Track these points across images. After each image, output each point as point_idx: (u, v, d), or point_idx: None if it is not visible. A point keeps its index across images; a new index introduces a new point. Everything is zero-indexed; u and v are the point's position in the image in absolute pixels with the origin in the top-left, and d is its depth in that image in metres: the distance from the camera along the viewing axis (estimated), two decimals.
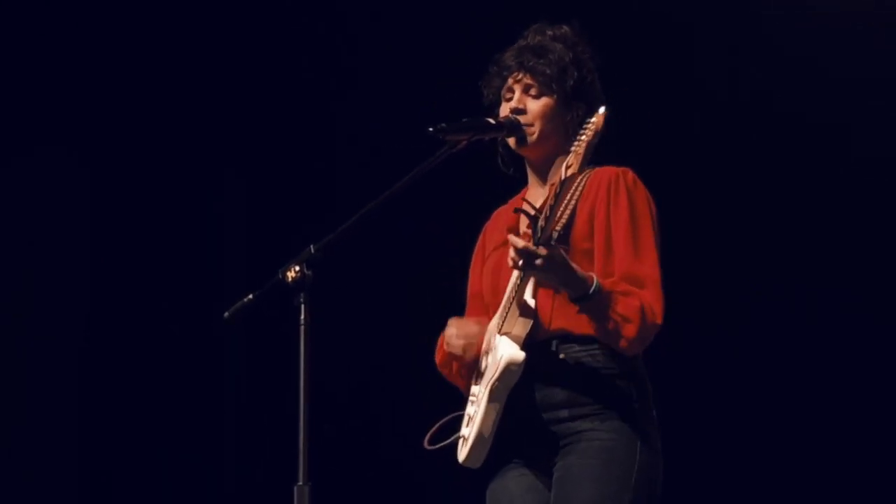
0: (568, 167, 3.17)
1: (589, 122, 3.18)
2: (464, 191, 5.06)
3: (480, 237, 3.71)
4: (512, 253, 3.23)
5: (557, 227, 3.28)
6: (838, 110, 5.24)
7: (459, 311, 3.71)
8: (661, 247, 3.41)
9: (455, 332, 3.49)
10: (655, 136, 5.32)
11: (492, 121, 3.49)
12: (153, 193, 6.09)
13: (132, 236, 6.07)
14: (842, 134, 5.28)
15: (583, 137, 3.18)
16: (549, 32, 3.57)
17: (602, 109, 3.18)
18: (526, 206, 3.23)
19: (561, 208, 3.20)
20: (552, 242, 3.21)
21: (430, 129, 3.39)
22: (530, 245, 3.19)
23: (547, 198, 3.25)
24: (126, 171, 6.09)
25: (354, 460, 5.83)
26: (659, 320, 3.32)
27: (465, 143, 3.42)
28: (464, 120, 3.45)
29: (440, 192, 4.58)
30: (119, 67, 6.06)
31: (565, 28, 3.57)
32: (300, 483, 3.16)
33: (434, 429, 3.50)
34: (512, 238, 3.23)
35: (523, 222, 3.52)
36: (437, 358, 3.64)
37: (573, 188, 3.35)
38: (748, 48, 5.38)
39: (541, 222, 3.19)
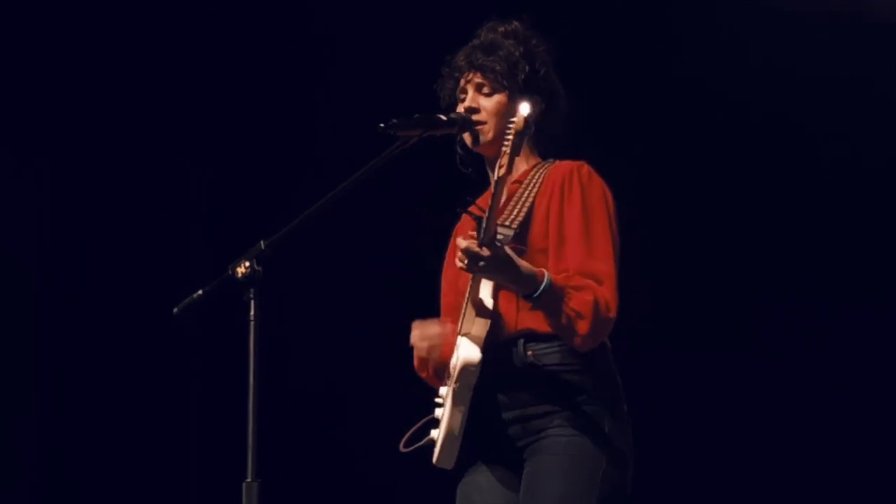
0: (500, 167, 3.17)
1: (511, 122, 3.16)
2: (416, 188, 5.08)
3: (452, 239, 3.69)
4: (458, 254, 3.24)
5: (514, 226, 3.31)
6: (815, 110, 5.27)
7: (414, 307, 3.71)
8: (617, 240, 3.41)
9: (417, 334, 3.50)
10: (628, 131, 5.35)
11: (443, 117, 3.49)
12: (110, 188, 6.06)
13: (87, 230, 6.05)
14: (817, 134, 5.32)
15: (507, 139, 3.16)
16: (501, 29, 3.57)
17: (524, 109, 3.14)
18: (473, 208, 3.23)
19: (499, 209, 3.21)
20: (498, 241, 3.21)
21: (381, 125, 3.39)
22: (473, 245, 3.19)
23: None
24: (85, 168, 6.06)
25: (304, 456, 5.83)
26: (613, 314, 3.31)
27: (416, 139, 3.42)
28: (415, 116, 3.45)
29: (390, 190, 4.59)
30: (81, 58, 6.03)
31: (516, 24, 3.58)
32: (249, 479, 3.15)
33: (410, 432, 3.49)
34: (458, 240, 3.24)
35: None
36: (415, 363, 3.62)
37: (530, 185, 3.36)
38: (724, 45, 5.41)
39: (484, 223, 3.19)
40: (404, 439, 3.48)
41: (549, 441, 3.35)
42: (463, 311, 3.39)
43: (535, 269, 3.27)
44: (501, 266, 3.22)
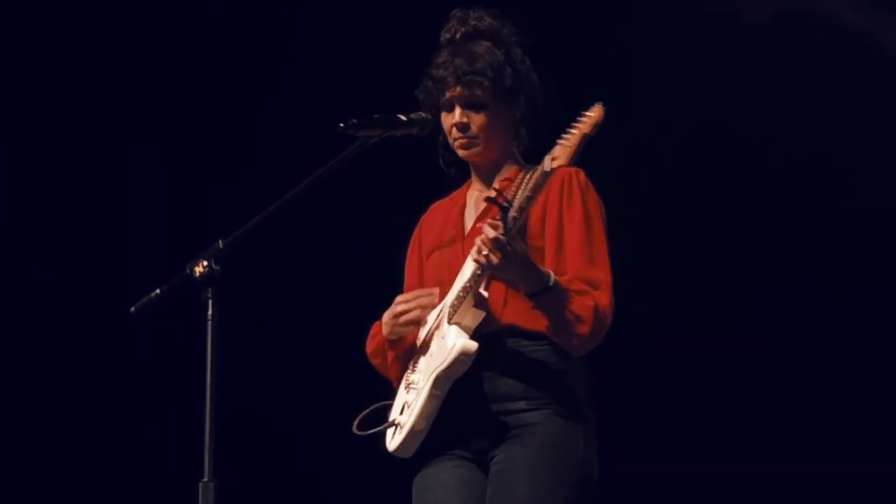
0: (553, 159, 3.18)
1: (585, 115, 3.16)
2: (369, 186, 5.08)
3: (417, 230, 3.70)
4: (479, 242, 3.22)
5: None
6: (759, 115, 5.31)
7: (370, 308, 3.70)
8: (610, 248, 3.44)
9: (409, 303, 3.46)
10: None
11: (402, 117, 3.49)
12: (64, 183, 6.02)
13: (40, 226, 6.01)
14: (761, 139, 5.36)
15: (574, 130, 3.17)
16: (473, 23, 3.55)
17: (599, 103, 3.16)
18: (495, 196, 3.21)
19: (533, 202, 3.21)
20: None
21: (341, 125, 3.39)
22: (501, 236, 3.19)
23: (518, 187, 3.25)
24: (37, 160, 6.02)
25: (261, 456, 5.82)
26: (608, 321, 3.35)
27: (375, 139, 3.42)
28: (375, 116, 3.45)
29: (348, 188, 4.59)
30: (32, 48, 5.99)
31: (487, 19, 3.55)
32: (205, 479, 3.15)
33: (363, 415, 3.48)
34: (487, 227, 3.22)
35: (468, 215, 3.55)
36: (370, 347, 3.60)
37: (523, 185, 3.34)
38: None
39: (513, 213, 3.19)
40: (356, 422, 3.47)
41: (525, 438, 3.35)
42: (453, 301, 3.38)
43: (543, 269, 3.29)
44: (521, 260, 3.23)
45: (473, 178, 3.62)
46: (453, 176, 3.65)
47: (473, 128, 3.50)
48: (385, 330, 3.51)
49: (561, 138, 3.19)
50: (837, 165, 5.30)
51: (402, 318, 3.47)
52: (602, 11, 5.49)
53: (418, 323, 3.47)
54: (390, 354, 3.54)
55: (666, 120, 5.37)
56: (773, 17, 5.31)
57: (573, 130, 3.17)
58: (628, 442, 5.26)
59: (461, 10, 3.58)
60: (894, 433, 5.21)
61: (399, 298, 3.50)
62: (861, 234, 5.31)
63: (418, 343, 3.49)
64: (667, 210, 5.40)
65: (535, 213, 3.39)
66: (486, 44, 3.52)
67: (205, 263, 3.24)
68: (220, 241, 3.28)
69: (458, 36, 3.56)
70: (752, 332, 5.33)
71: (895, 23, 5.26)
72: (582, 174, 3.45)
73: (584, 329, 3.30)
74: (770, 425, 5.31)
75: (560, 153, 3.17)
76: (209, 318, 3.22)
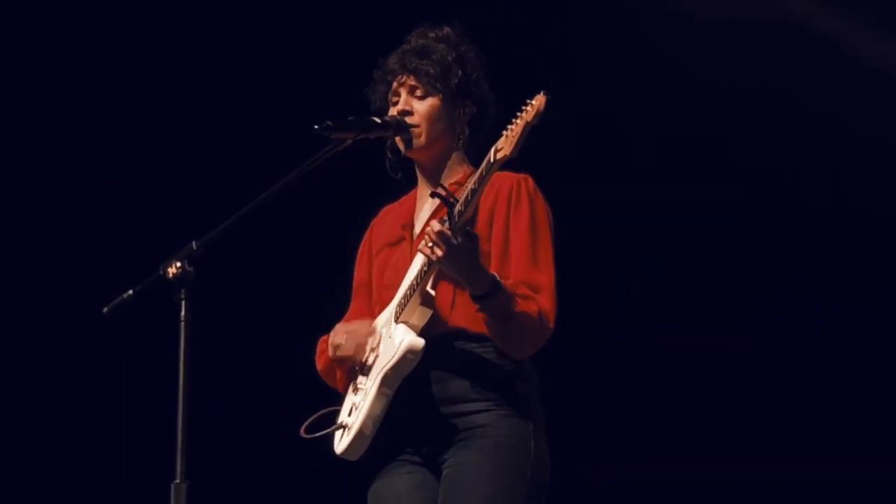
0: (497, 150, 3.19)
1: (528, 104, 3.15)
2: (348, 188, 5.08)
3: (367, 232, 3.71)
4: (427, 238, 3.23)
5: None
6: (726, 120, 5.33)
7: (341, 309, 3.71)
8: (556, 254, 3.44)
9: (345, 337, 3.48)
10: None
11: (378, 120, 3.50)
12: (33, 182, 5.99)
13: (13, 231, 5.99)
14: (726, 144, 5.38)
15: (518, 121, 3.16)
16: (432, 35, 3.60)
17: (542, 92, 3.14)
18: (440, 191, 3.23)
19: (479, 195, 3.22)
20: (468, 231, 3.23)
21: (316, 126, 3.39)
22: (447, 230, 3.19)
23: (465, 184, 3.27)
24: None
25: (233, 458, 5.82)
26: (551, 325, 3.35)
27: (350, 141, 3.42)
28: (349, 118, 3.45)
29: (324, 190, 4.60)
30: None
31: (447, 29, 3.60)
32: (177, 481, 3.15)
33: (311, 419, 3.49)
34: (433, 223, 3.23)
35: (417, 218, 3.56)
36: (319, 365, 3.62)
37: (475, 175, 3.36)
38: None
39: (459, 207, 3.21)
40: (304, 426, 3.47)
41: (477, 440, 3.36)
42: (403, 300, 3.39)
43: (490, 272, 3.29)
44: (467, 258, 3.23)
45: (420, 181, 3.62)
46: (400, 181, 3.65)
47: (416, 116, 3.52)
48: (330, 352, 3.53)
49: (505, 129, 3.19)
50: (822, 168, 5.33)
51: (337, 354, 3.50)
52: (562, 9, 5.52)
53: (352, 359, 3.48)
54: (338, 373, 3.57)
55: (653, 121, 5.39)
56: (738, 19, 5.33)
57: (517, 120, 3.17)
58: (621, 442, 5.30)
59: (427, 26, 3.63)
60: (888, 433, 5.23)
61: (339, 329, 3.51)
62: (851, 234, 5.34)
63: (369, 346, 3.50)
64: (654, 210, 5.42)
65: (482, 217, 3.41)
66: (441, 45, 3.57)
67: (178, 264, 3.24)
68: (194, 242, 3.28)
69: (415, 45, 3.60)
70: (743, 330, 5.35)
71: (866, 28, 5.30)
72: (531, 181, 3.47)
73: (527, 334, 3.33)
74: (762, 425, 5.33)
75: (504, 143, 3.18)
76: (182, 319, 3.21)
